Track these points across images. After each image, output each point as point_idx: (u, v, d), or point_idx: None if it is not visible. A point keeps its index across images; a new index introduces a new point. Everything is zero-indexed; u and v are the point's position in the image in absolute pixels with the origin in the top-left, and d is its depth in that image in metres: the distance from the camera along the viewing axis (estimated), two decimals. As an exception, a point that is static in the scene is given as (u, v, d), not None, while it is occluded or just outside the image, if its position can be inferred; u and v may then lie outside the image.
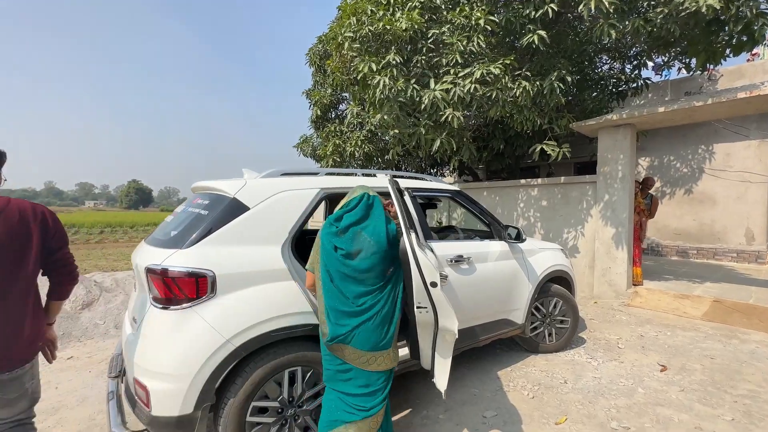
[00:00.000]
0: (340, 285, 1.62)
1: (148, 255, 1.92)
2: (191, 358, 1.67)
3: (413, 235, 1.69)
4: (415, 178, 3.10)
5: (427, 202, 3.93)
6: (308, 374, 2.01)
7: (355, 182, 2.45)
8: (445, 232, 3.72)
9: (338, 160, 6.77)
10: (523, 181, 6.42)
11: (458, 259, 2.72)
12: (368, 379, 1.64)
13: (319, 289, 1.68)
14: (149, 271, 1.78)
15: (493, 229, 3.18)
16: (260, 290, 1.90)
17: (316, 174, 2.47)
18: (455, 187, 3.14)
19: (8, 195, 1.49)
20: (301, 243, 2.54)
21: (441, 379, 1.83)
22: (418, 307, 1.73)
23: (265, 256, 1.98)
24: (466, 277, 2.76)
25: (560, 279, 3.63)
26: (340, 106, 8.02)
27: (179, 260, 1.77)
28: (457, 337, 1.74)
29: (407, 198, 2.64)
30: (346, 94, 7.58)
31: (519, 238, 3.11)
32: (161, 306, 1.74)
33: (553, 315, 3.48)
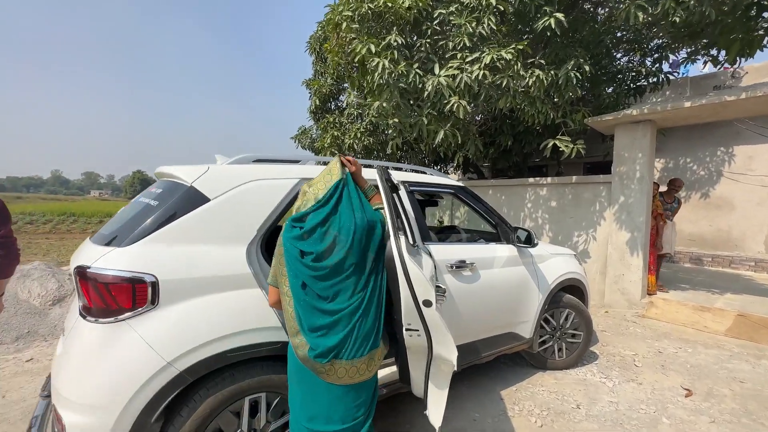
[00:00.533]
0: (319, 289, 1.27)
1: (83, 254, 1.58)
2: (120, 386, 1.33)
3: (403, 240, 1.34)
4: (415, 171, 2.75)
5: (427, 198, 3.57)
6: (275, 402, 1.66)
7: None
8: (446, 233, 3.36)
9: (336, 153, 6.42)
10: (531, 179, 6.04)
11: (460, 265, 2.36)
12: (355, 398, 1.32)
13: (288, 305, 1.33)
14: (78, 273, 1.44)
15: (500, 230, 2.82)
16: (217, 300, 1.56)
17: (297, 162, 2.12)
18: (459, 183, 2.78)
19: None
20: (274, 243, 2.18)
21: (435, 412, 1.49)
22: (407, 329, 1.38)
23: (225, 258, 1.63)
24: (469, 286, 2.41)
25: (573, 288, 3.27)
26: (341, 96, 7.65)
27: (113, 261, 1.43)
28: (456, 369, 1.39)
29: (403, 193, 2.29)
30: (347, 85, 7.22)
31: (530, 242, 2.74)
32: (89, 318, 1.40)
33: (564, 328, 3.12)
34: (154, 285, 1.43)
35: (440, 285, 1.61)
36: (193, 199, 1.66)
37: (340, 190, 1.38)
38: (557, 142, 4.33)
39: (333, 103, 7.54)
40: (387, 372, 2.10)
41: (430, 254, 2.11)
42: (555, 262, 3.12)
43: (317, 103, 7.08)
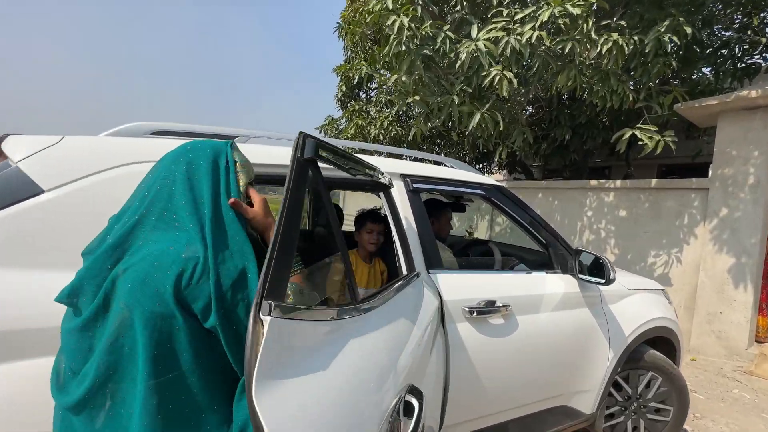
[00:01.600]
0: None
1: None
2: None
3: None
4: (421, 162, 1.92)
5: (450, 201, 2.70)
6: None
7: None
8: (472, 254, 2.45)
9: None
10: (594, 182, 4.89)
11: (486, 309, 1.52)
12: None
13: None
14: None
15: (552, 253, 1.92)
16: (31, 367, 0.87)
17: (233, 139, 1.38)
18: (493, 182, 1.91)
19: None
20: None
21: None
22: None
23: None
24: (499, 341, 1.55)
25: (659, 339, 2.26)
26: (372, 83, 6.91)
27: None
28: None
29: (399, 192, 1.50)
30: (382, 71, 6.45)
31: (602, 275, 1.80)
32: None
33: (644, 398, 2.13)
34: None
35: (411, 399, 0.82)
36: (15, 188, 0.99)
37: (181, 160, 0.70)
38: (637, 133, 3.24)
39: (363, 91, 6.82)
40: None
41: (438, 292, 1.30)
42: (634, 303, 2.14)
43: (344, 89, 6.40)
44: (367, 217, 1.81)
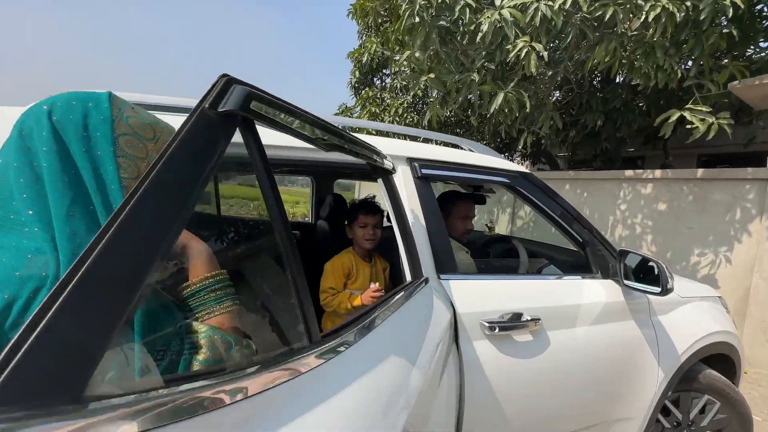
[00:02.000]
0: None
1: None
2: None
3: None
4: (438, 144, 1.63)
5: (467, 192, 2.40)
6: None
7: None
8: (492, 253, 2.13)
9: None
10: (629, 172, 4.43)
11: (510, 324, 1.23)
12: None
13: None
14: None
15: (590, 254, 1.61)
16: None
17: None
18: (518, 167, 1.61)
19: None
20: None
21: None
22: None
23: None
24: (526, 363, 1.27)
25: (716, 356, 1.91)
26: (387, 70, 6.59)
27: None
28: None
29: (404, 179, 1.23)
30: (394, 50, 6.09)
31: (657, 282, 1.47)
32: None
33: (697, 426, 1.80)
34: None
35: None
36: None
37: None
38: (687, 115, 2.82)
39: (377, 77, 6.50)
40: None
41: (450, 303, 1.04)
42: (688, 313, 1.80)
43: (357, 75, 6.10)
44: (358, 208, 1.51)
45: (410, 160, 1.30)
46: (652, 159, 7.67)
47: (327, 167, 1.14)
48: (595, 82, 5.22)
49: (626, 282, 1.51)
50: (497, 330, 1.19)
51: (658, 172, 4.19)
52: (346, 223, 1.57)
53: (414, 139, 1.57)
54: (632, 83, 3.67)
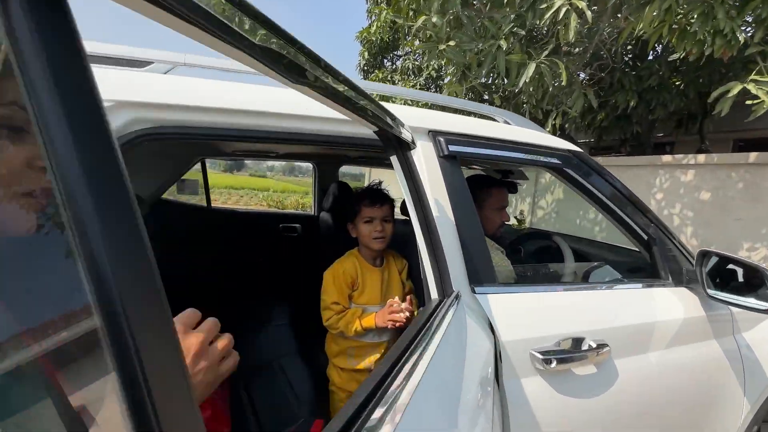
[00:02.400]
0: None
1: None
2: None
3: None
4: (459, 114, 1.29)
5: (496, 177, 2.04)
6: None
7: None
8: (523, 254, 1.78)
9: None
10: (667, 157, 4.01)
11: (571, 352, 0.91)
12: None
13: None
14: None
15: (659, 254, 1.27)
16: None
17: (146, 66, 0.83)
18: (568, 144, 1.27)
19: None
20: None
21: None
22: None
23: None
24: (589, 403, 0.95)
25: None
26: (397, 51, 6.19)
27: None
28: None
29: (426, 159, 0.90)
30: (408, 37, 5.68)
31: (762, 295, 1.12)
32: None
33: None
34: None
35: None
36: None
37: None
38: (751, 87, 2.41)
39: (387, 58, 6.11)
40: None
41: (490, 327, 0.71)
42: (776, 327, 1.45)
43: (366, 56, 5.72)
44: (360, 199, 1.16)
45: (434, 134, 0.98)
46: (682, 145, 7.12)
47: (325, 141, 0.83)
48: (626, 58, 4.74)
49: (711, 292, 1.16)
50: (554, 364, 0.87)
51: (701, 157, 3.76)
52: (348, 221, 1.24)
53: (442, 110, 1.24)
54: (674, 57, 3.23)
